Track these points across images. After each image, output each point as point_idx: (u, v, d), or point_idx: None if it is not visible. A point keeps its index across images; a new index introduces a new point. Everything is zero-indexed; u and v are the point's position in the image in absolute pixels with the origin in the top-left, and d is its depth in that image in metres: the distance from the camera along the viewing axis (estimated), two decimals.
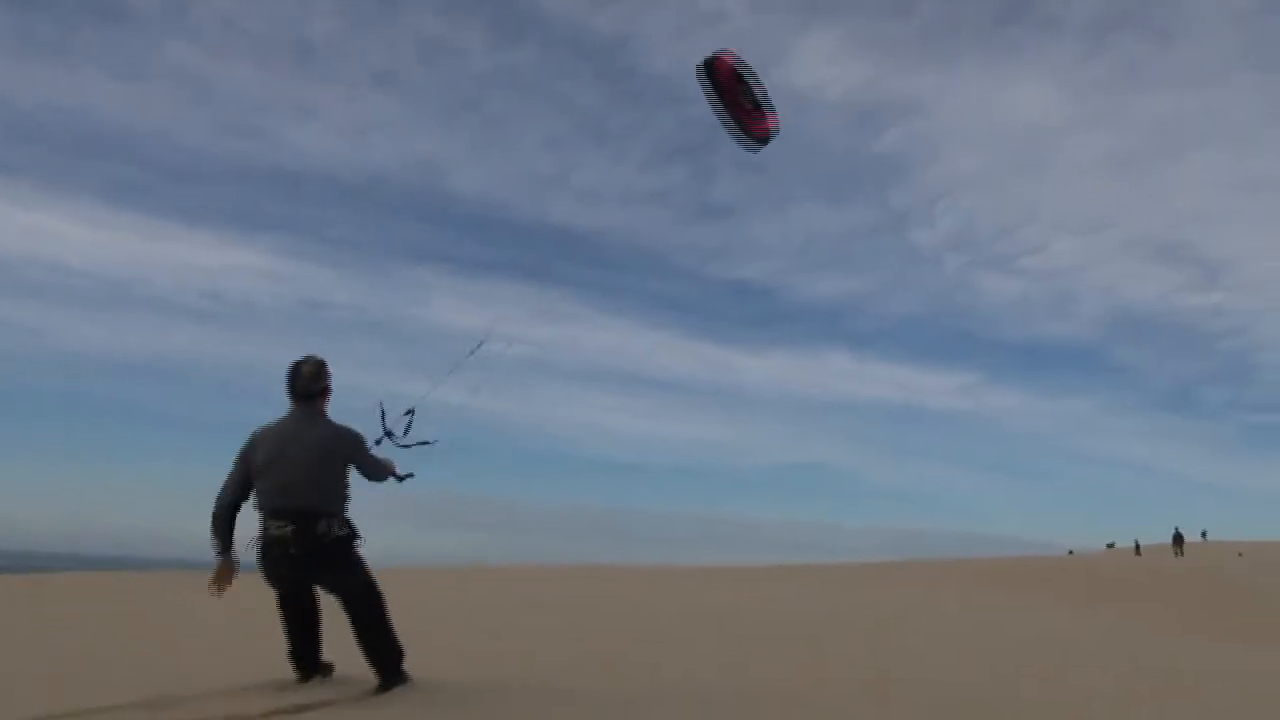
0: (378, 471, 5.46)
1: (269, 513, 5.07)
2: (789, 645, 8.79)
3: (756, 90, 6.84)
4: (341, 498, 5.22)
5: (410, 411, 5.89)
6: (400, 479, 5.62)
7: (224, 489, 5.17)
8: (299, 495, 5.04)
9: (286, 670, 5.40)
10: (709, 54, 6.78)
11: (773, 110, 6.86)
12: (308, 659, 5.31)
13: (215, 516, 5.15)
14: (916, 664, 7.74)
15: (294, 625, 5.27)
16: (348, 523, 5.23)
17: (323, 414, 5.32)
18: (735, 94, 6.84)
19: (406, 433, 5.86)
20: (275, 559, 5.07)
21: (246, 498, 5.17)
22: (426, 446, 5.87)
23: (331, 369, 5.35)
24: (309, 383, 5.25)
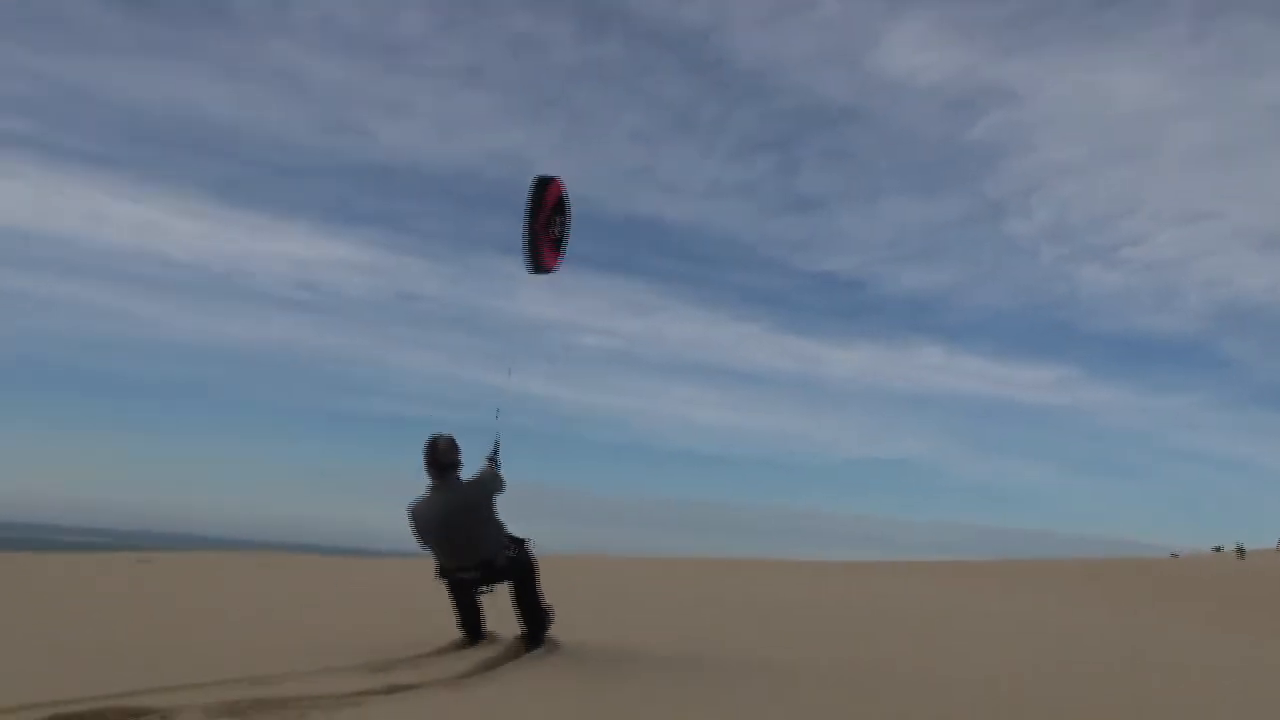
0: (495, 485, 6.37)
1: (455, 566, 6.14)
2: (822, 636, 8.61)
3: (566, 228, 7.45)
4: (502, 532, 6.23)
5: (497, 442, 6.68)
6: (495, 461, 6.47)
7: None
8: (476, 553, 6.10)
9: (380, 651, 5.56)
10: (547, 175, 7.36)
11: (564, 253, 7.46)
12: (474, 629, 6.27)
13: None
14: (959, 660, 7.50)
15: (463, 607, 6.27)
16: (512, 542, 6.26)
17: (459, 480, 6.17)
18: (548, 219, 7.37)
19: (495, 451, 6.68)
20: (463, 585, 6.22)
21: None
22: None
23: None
24: (446, 455, 6.11)
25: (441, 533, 6.10)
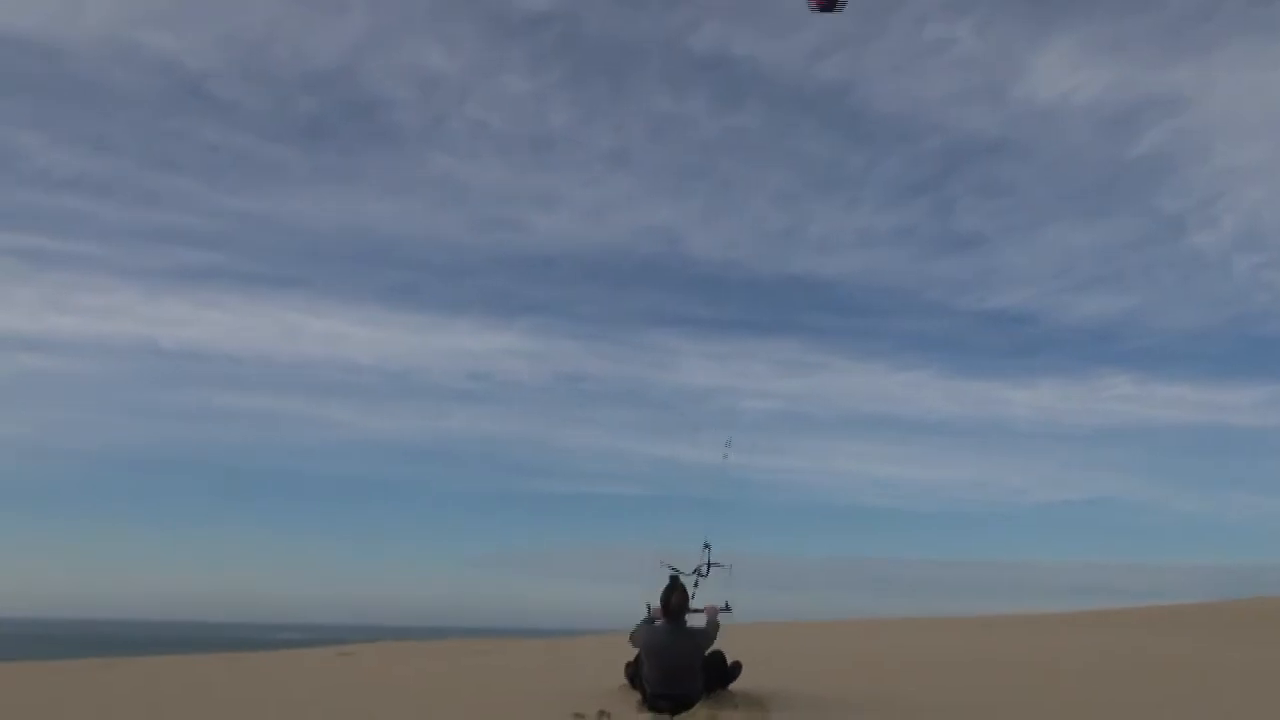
0: (713, 640, 7.45)
1: (659, 694, 7.13)
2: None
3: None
4: (702, 678, 7.30)
5: (707, 547, 8.17)
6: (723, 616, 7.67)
7: (634, 669, 7.55)
8: (681, 688, 7.11)
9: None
10: None
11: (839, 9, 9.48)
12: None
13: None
14: None
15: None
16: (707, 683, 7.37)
17: (686, 626, 7.35)
18: None
19: (708, 567, 8.11)
20: (660, 709, 7.09)
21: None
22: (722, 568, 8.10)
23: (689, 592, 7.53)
24: (680, 607, 7.33)
25: (668, 664, 7.19)
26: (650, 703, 7.12)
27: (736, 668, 7.80)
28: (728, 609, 7.81)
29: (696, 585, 7.94)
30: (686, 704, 7.04)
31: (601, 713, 6.76)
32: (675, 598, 7.33)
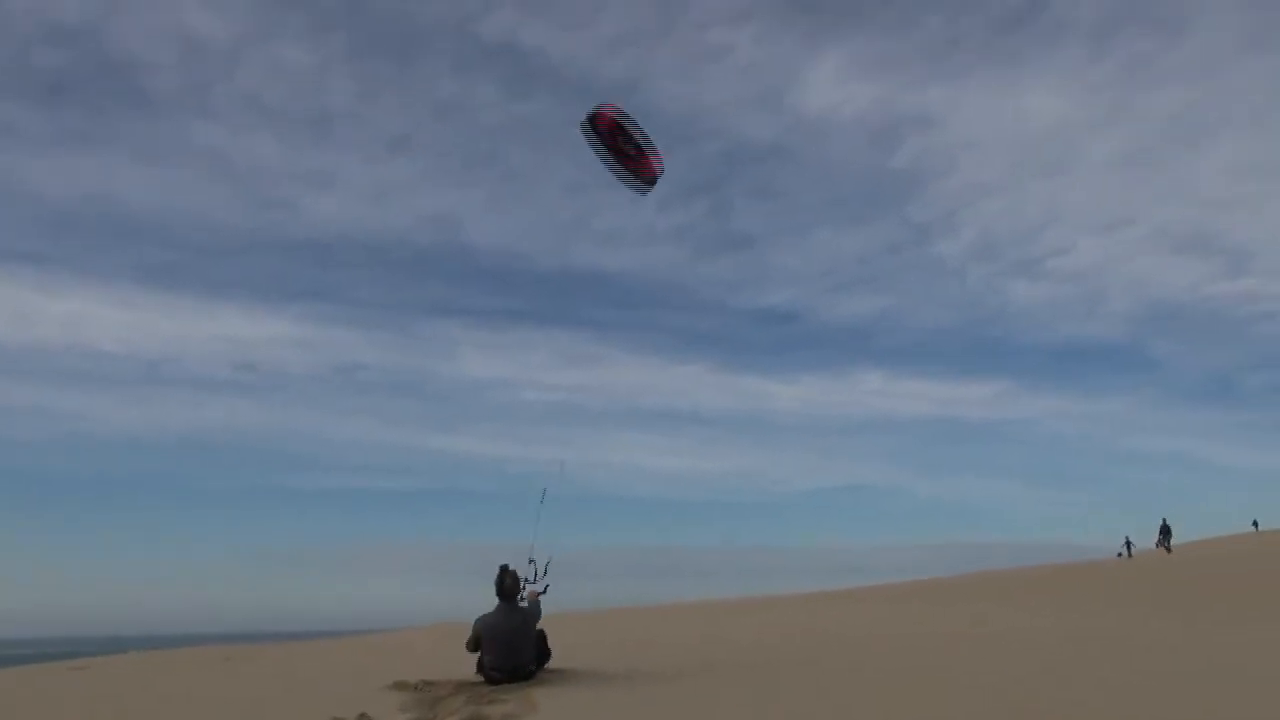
0: (538, 618, 8.46)
1: (503, 665, 8.06)
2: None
3: (637, 136, 7.92)
4: (534, 650, 8.32)
5: (533, 561, 8.74)
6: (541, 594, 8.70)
7: (471, 645, 8.33)
8: (521, 659, 8.14)
9: None
10: (590, 110, 7.50)
11: (654, 152, 7.82)
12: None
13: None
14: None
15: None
16: (536, 658, 8.37)
17: (519, 606, 8.35)
18: (617, 142, 7.58)
19: (545, 572, 8.78)
20: (496, 681, 8.03)
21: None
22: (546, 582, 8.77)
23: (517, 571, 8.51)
24: (513, 589, 8.35)
25: (505, 641, 8.08)
26: (487, 675, 8.06)
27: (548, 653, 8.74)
28: (544, 591, 8.69)
29: (543, 587, 8.73)
30: (523, 674, 8.05)
31: (362, 715, 6.57)
32: (508, 580, 8.33)
